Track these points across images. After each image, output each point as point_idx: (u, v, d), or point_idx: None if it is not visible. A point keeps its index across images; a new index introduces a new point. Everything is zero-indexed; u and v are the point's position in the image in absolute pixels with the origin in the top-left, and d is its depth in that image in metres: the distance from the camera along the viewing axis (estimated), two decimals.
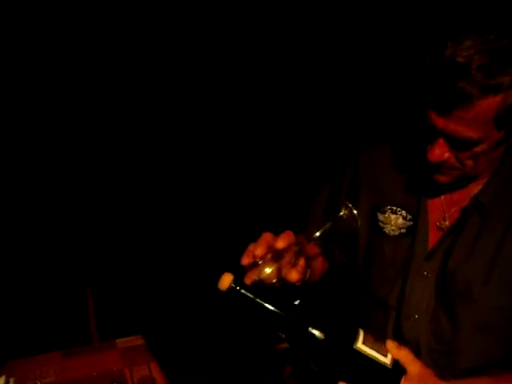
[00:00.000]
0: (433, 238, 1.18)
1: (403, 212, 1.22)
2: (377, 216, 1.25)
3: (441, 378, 1.01)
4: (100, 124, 3.00)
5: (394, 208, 1.23)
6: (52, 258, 2.82)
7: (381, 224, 1.24)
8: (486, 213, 1.12)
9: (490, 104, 0.95)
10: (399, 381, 0.96)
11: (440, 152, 1.04)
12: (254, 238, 1.01)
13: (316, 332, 0.93)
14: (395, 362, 0.96)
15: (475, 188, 1.14)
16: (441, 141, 1.04)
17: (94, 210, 3.00)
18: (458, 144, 1.02)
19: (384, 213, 1.24)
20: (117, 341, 1.67)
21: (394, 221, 1.22)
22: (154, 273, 2.86)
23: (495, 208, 1.12)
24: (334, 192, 1.37)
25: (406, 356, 0.97)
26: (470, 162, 1.05)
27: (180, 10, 2.99)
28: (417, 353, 1.18)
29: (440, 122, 1.01)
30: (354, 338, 0.94)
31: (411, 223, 1.20)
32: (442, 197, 1.19)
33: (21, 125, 2.82)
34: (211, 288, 1.02)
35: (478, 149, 1.02)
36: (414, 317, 1.18)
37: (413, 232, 1.20)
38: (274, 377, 1.45)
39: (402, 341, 1.19)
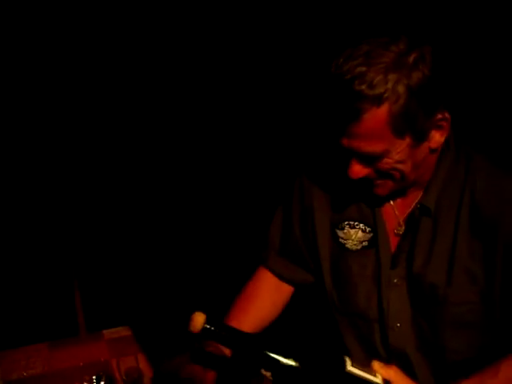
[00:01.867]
0: (394, 245, 1.19)
1: (361, 225, 1.22)
2: (336, 233, 1.25)
3: None
4: (90, 120, 2.99)
5: (352, 222, 1.23)
6: (39, 249, 2.81)
7: (342, 240, 1.24)
8: (434, 215, 1.13)
9: (377, 116, 0.96)
10: None
11: (357, 169, 1.06)
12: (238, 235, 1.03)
13: (303, 365, 0.91)
14: (386, 382, 0.96)
15: (420, 190, 1.15)
16: (354, 158, 1.05)
17: (81, 203, 2.99)
18: (367, 159, 1.03)
19: (343, 229, 1.24)
20: (104, 332, 1.68)
21: (355, 235, 1.22)
22: (141, 264, 2.86)
23: (442, 208, 1.13)
24: (287, 214, 1.36)
25: (395, 374, 0.98)
26: (396, 173, 1.06)
27: (180, 10, 2.99)
28: (407, 359, 1.20)
29: (343, 140, 1.02)
30: (343, 363, 0.93)
31: (371, 235, 1.20)
32: (393, 203, 1.19)
33: (10, 122, 2.81)
34: (197, 280, 1.03)
35: (390, 160, 1.02)
36: (397, 326, 1.19)
37: (375, 243, 1.20)
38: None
39: (391, 350, 1.21)
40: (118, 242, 2.95)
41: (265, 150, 3.11)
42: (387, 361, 1.21)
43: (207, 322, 0.89)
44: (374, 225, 1.20)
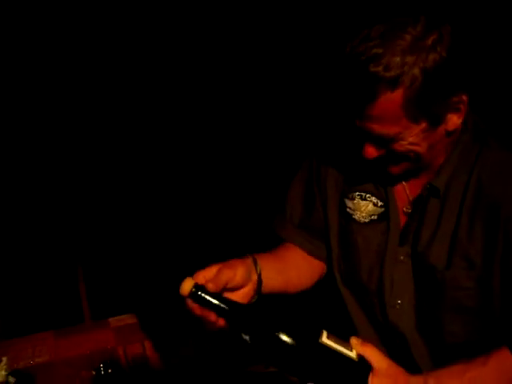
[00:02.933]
0: (402, 223, 1.18)
1: (373, 198, 1.20)
2: (344, 202, 1.23)
3: (411, 374, 1.00)
4: (90, 118, 2.99)
5: (364, 194, 1.21)
6: (43, 238, 2.81)
7: (349, 211, 1.22)
8: (442, 196, 1.11)
9: (391, 99, 0.94)
10: (367, 376, 0.94)
11: (371, 150, 1.04)
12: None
13: (278, 330, 0.93)
14: (361, 357, 0.95)
15: (434, 170, 1.13)
16: (368, 139, 1.04)
17: (85, 192, 2.99)
18: (380, 141, 1.02)
19: (353, 199, 1.22)
20: (109, 320, 1.67)
21: (364, 207, 1.21)
22: (146, 251, 2.86)
23: (451, 190, 1.11)
24: (308, 184, 1.33)
25: (371, 352, 0.96)
26: (411, 154, 1.04)
27: (180, 10, 2.97)
28: (404, 338, 1.19)
29: (357, 121, 1.01)
30: (318, 335, 0.94)
31: (383, 210, 1.19)
32: (404, 183, 1.18)
33: (10, 119, 2.80)
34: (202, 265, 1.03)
35: (404, 142, 1.01)
36: (398, 303, 1.18)
37: (385, 218, 1.18)
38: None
39: (390, 327, 1.20)
40: (122, 229, 2.95)
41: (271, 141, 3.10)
42: (387, 334, 1.23)
43: (195, 286, 0.96)
44: (387, 200, 1.18)
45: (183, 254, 2.74)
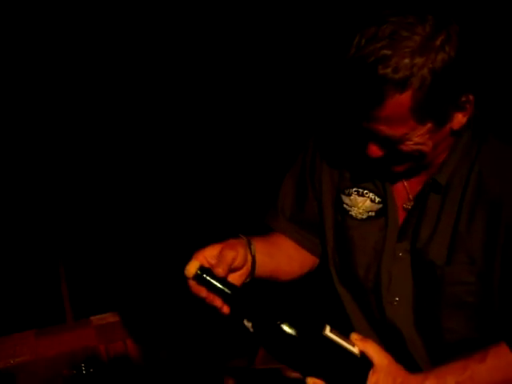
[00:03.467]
0: (401, 219, 1.16)
1: (371, 194, 1.19)
2: (341, 198, 1.22)
3: (410, 372, 1.00)
4: (75, 115, 2.97)
5: (361, 190, 1.19)
6: (25, 236, 2.78)
7: (346, 207, 1.21)
8: (444, 192, 1.11)
9: (400, 101, 0.93)
10: (367, 372, 0.95)
11: (376, 149, 1.03)
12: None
13: (282, 319, 0.92)
14: (362, 353, 0.95)
15: (435, 167, 1.12)
16: (373, 139, 1.02)
17: (66, 190, 2.96)
18: (385, 141, 1.01)
19: (349, 195, 1.21)
20: (91, 318, 1.67)
21: (362, 203, 1.20)
22: (128, 249, 2.84)
23: (451, 186, 1.10)
24: (301, 178, 1.32)
25: (372, 348, 0.96)
26: (415, 153, 1.02)
27: (180, 10, 2.96)
28: (401, 336, 1.18)
29: (363, 122, 0.99)
30: (322, 328, 0.94)
31: (380, 206, 1.17)
32: (404, 179, 1.17)
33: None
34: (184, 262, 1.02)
35: (409, 142, 1.00)
36: (396, 300, 1.17)
37: (383, 214, 1.17)
38: (247, 358, 1.45)
39: (387, 324, 1.19)
40: (103, 227, 2.93)
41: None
42: (384, 330, 1.21)
43: (200, 269, 0.96)
44: (385, 196, 1.17)
45: (167, 252, 2.73)
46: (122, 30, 2.90)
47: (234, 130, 3.13)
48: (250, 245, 1.13)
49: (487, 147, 1.08)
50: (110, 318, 1.66)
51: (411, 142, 1.00)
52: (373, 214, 1.18)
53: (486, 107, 1.12)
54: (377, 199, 1.18)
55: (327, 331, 0.94)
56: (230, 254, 1.02)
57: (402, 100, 0.92)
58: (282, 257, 1.30)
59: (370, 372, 0.94)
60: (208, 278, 0.96)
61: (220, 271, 0.98)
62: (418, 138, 0.99)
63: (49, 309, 2.41)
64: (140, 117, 3.07)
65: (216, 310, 1.00)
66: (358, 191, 1.20)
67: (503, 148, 1.08)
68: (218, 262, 1.00)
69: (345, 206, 1.21)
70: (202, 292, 0.99)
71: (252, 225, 1.42)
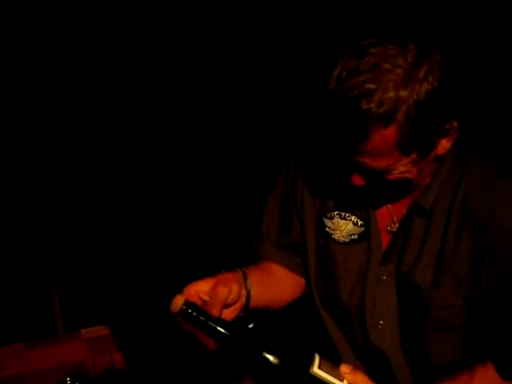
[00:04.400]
0: (385, 242, 1.15)
1: (353, 218, 1.17)
2: (323, 222, 1.21)
3: None
4: (63, 123, 2.98)
5: (343, 213, 1.18)
6: (16, 248, 2.78)
7: (328, 230, 1.20)
8: (428, 215, 1.10)
9: (385, 136, 0.92)
10: None
11: (360, 178, 1.03)
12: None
13: (269, 356, 0.90)
14: None
15: (419, 190, 1.11)
16: (357, 170, 1.02)
17: (59, 203, 2.97)
18: (370, 172, 1.00)
19: (332, 218, 1.19)
20: (81, 331, 1.66)
21: (344, 227, 1.18)
22: (120, 263, 2.84)
23: (436, 209, 1.10)
24: (284, 202, 1.30)
25: (361, 381, 0.93)
26: (400, 180, 1.02)
27: (180, 10, 2.98)
28: (387, 359, 1.17)
29: (348, 155, 0.99)
30: (310, 363, 0.91)
31: (363, 229, 1.16)
32: (388, 202, 1.16)
33: None
34: (176, 280, 1.01)
35: (395, 172, 0.99)
36: (380, 323, 1.16)
37: (366, 238, 1.16)
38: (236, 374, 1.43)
39: (371, 348, 1.18)
40: (96, 242, 2.93)
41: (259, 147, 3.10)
42: (368, 356, 1.20)
43: (186, 304, 0.93)
44: (368, 219, 1.16)
45: (160, 267, 2.73)
46: (122, 30, 2.91)
47: (230, 135, 3.13)
48: (245, 279, 1.11)
49: (471, 168, 1.08)
50: (100, 331, 1.65)
51: (397, 172, 0.99)
52: (356, 237, 1.17)
53: (466, 128, 1.12)
54: (359, 222, 1.17)
55: (315, 367, 0.91)
56: (223, 291, 0.99)
57: (387, 134, 0.92)
58: (275, 285, 1.28)
59: None
60: (195, 314, 0.92)
61: (214, 312, 0.94)
62: (403, 167, 0.99)
63: (41, 322, 2.40)
64: (133, 122, 3.07)
65: (202, 345, 0.97)
66: (340, 214, 1.19)
67: (486, 169, 1.08)
68: (211, 301, 0.96)
69: (327, 229, 1.20)
70: (189, 328, 0.96)
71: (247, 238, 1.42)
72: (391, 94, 0.89)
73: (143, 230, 2.97)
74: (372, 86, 0.89)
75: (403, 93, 0.90)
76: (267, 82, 3.08)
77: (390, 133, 0.91)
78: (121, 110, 3.06)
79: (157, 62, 3.05)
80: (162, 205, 3.07)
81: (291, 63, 3.03)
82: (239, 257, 1.26)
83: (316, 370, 0.91)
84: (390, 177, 1.00)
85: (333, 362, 0.94)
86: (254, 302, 1.12)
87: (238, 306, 1.05)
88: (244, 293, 1.07)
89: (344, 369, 0.92)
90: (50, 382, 1.35)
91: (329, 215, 1.20)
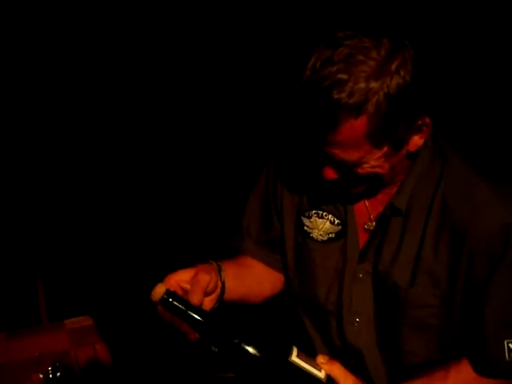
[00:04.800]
0: (362, 240, 1.15)
1: (330, 216, 1.18)
2: (302, 221, 1.21)
3: None
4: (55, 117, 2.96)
5: (320, 212, 1.19)
6: (0, 238, 2.76)
7: (307, 229, 1.20)
8: (405, 215, 1.10)
9: (355, 127, 0.92)
10: None
11: (331, 171, 1.03)
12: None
13: (248, 345, 0.91)
14: (328, 377, 0.95)
15: (394, 187, 1.11)
16: (329, 162, 1.02)
17: (42, 193, 2.95)
18: (341, 165, 1.00)
19: (310, 217, 1.20)
20: (65, 321, 1.66)
21: (322, 225, 1.19)
22: (105, 253, 2.83)
23: (413, 208, 1.10)
24: (265, 200, 1.31)
25: (338, 371, 0.94)
26: (371, 175, 1.02)
27: (180, 10, 2.97)
28: (362, 356, 1.18)
29: (319, 145, 0.99)
30: (289, 352, 0.93)
31: (340, 227, 1.17)
32: (365, 200, 1.16)
33: None
34: (157, 271, 1.01)
35: (366, 165, 0.99)
36: (356, 321, 1.17)
37: (343, 236, 1.17)
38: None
39: (347, 345, 1.19)
40: (80, 231, 2.92)
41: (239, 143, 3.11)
42: (343, 355, 1.21)
43: (167, 293, 0.94)
44: (345, 218, 1.16)
45: (145, 256, 2.72)
46: (122, 30, 2.89)
47: (213, 132, 3.13)
48: (220, 271, 1.12)
49: (450, 168, 1.08)
50: (83, 321, 1.65)
51: (368, 165, 0.99)
52: (333, 235, 1.18)
53: (443, 126, 1.12)
54: (336, 221, 1.17)
55: (293, 357, 0.93)
56: (204, 279, 1.00)
57: (357, 125, 0.92)
58: (253, 279, 1.29)
59: None
60: (175, 303, 0.94)
61: (195, 300, 0.95)
62: (374, 162, 0.98)
63: (25, 312, 2.39)
64: (126, 116, 3.06)
65: (182, 334, 0.98)
66: (317, 213, 1.19)
67: (465, 169, 1.07)
68: (192, 289, 0.97)
69: (305, 228, 1.21)
70: (168, 316, 0.96)
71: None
72: (362, 85, 0.89)
73: (127, 221, 2.97)
74: (344, 76, 0.90)
75: (374, 84, 0.90)
76: (255, 79, 3.07)
77: (359, 124, 0.91)
78: (116, 106, 3.05)
79: (156, 62, 3.04)
80: (143, 196, 3.06)
81: (272, 61, 3.03)
82: (219, 252, 1.26)
83: (294, 358, 0.92)
84: (360, 170, 1.00)
85: (310, 354, 0.95)
86: (229, 294, 1.13)
87: (214, 296, 1.06)
88: (219, 284, 1.09)
89: (321, 359, 0.94)
90: (31, 371, 1.34)
91: (307, 214, 1.21)
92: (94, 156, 3.06)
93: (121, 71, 3.00)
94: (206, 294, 1.01)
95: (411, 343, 1.13)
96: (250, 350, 0.91)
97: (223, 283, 1.10)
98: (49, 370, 1.24)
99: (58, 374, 1.24)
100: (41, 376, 1.24)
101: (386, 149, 0.97)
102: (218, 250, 1.27)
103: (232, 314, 0.96)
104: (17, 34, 2.76)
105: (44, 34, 2.79)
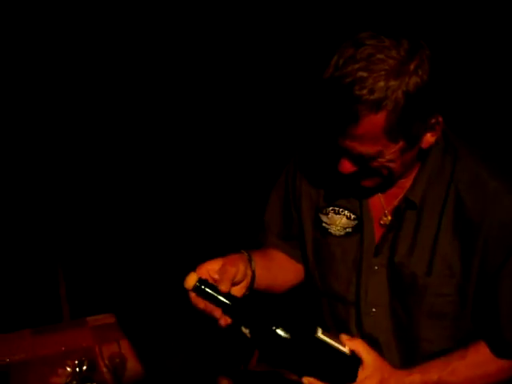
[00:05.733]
0: (378, 234, 1.21)
1: (346, 212, 1.24)
2: (320, 218, 1.27)
3: (395, 368, 1.08)
4: (71, 116, 2.99)
5: (337, 209, 1.25)
6: (24, 236, 2.80)
7: (325, 225, 1.26)
8: (419, 208, 1.15)
9: (374, 121, 0.97)
10: (357, 369, 1.02)
11: (348, 165, 1.07)
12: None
13: (277, 326, 0.98)
14: (352, 352, 1.03)
15: (408, 182, 1.17)
16: (346, 155, 1.07)
17: (66, 192, 2.98)
18: (359, 158, 1.05)
19: (327, 214, 1.26)
20: (87, 319, 1.68)
21: (339, 221, 1.24)
22: (127, 251, 2.86)
23: (427, 201, 1.15)
24: (285, 199, 1.38)
25: (361, 346, 1.03)
26: (384, 170, 1.07)
27: (180, 10, 2.99)
28: (379, 345, 1.22)
29: (339, 139, 1.04)
30: (315, 330, 1.01)
31: (356, 222, 1.22)
32: (380, 194, 1.21)
33: None
34: (182, 269, 1.05)
35: (381, 159, 1.04)
36: (373, 311, 1.22)
37: (359, 230, 1.22)
38: (241, 360, 1.48)
39: (364, 335, 1.23)
40: (102, 230, 2.95)
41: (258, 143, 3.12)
42: None
43: (199, 281, 1.01)
44: (360, 213, 1.22)
45: (165, 256, 2.74)
46: (122, 30, 2.92)
47: (235, 132, 3.15)
48: (250, 260, 1.20)
49: (462, 165, 1.13)
50: (105, 319, 1.67)
51: (383, 160, 1.04)
52: (350, 230, 1.24)
53: (455, 124, 1.15)
54: (352, 216, 1.23)
55: (319, 333, 1.00)
56: (231, 270, 1.08)
57: (377, 120, 0.97)
58: (278, 269, 1.37)
59: (360, 368, 1.03)
60: (206, 288, 1.01)
61: (223, 288, 1.03)
62: (389, 156, 1.04)
63: (47, 310, 2.42)
64: (137, 121, 3.09)
65: (214, 320, 1.05)
66: (334, 209, 1.26)
67: (476, 164, 1.13)
68: (221, 278, 1.05)
69: (324, 224, 1.27)
70: (201, 303, 1.04)
71: (251, 231, 1.45)
72: (382, 83, 0.95)
73: (150, 220, 2.99)
74: (365, 74, 0.95)
75: (393, 82, 0.95)
76: (273, 80, 3.09)
77: (379, 119, 0.97)
78: (118, 106, 3.08)
79: (156, 62, 3.06)
80: (167, 196, 3.09)
81: (294, 63, 3.04)
82: (243, 246, 1.30)
83: (320, 335, 1.01)
84: (376, 163, 1.05)
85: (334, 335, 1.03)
86: (257, 283, 1.21)
87: (244, 284, 1.13)
88: (249, 272, 1.16)
89: (345, 336, 1.03)
90: (57, 366, 1.37)
91: (324, 211, 1.27)
92: (114, 153, 3.09)
93: (124, 73, 3.03)
94: (235, 283, 1.09)
95: (427, 331, 1.18)
96: (279, 328, 0.98)
97: (253, 272, 1.18)
98: (75, 365, 1.26)
99: (84, 368, 1.26)
100: (68, 369, 1.26)
101: (401, 144, 1.02)
102: (242, 242, 1.31)
103: (260, 300, 1.04)
104: (17, 34, 2.79)
105: (44, 34, 2.83)
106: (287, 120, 3.02)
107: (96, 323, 1.65)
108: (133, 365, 1.42)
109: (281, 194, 1.39)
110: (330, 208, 1.26)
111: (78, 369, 1.26)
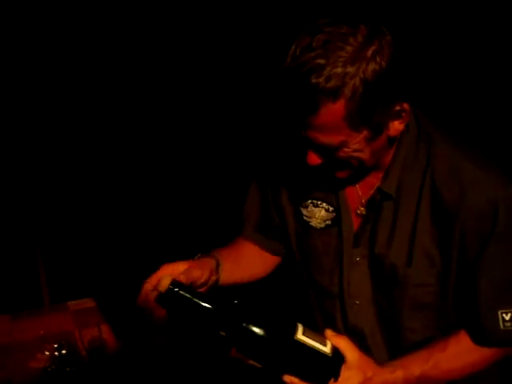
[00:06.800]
0: (356, 225, 1.20)
1: (324, 204, 1.22)
2: (300, 211, 1.26)
3: (378, 364, 1.06)
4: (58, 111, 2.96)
5: (315, 201, 1.23)
6: (3, 221, 2.77)
7: (306, 218, 1.25)
8: (396, 198, 1.13)
9: (333, 110, 0.95)
10: (339, 368, 0.99)
11: (314, 157, 1.06)
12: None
13: (255, 327, 0.95)
14: (335, 350, 0.99)
15: (382, 172, 1.15)
16: (311, 147, 1.05)
17: (45, 179, 2.96)
18: (324, 149, 1.03)
19: (306, 207, 1.25)
20: (68, 303, 1.68)
21: (318, 213, 1.23)
22: (107, 236, 2.85)
23: (404, 190, 1.13)
24: (263, 193, 1.37)
25: (344, 344, 1.00)
26: (354, 161, 1.05)
27: (180, 10, 2.96)
28: (364, 337, 1.23)
29: (301, 130, 1.02)
30: (294, 331, 0.97)
31: (335, 214, 1.21)
32: (356, 184, 1.19)
33: None
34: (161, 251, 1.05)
35: (347, 150, 1.02)
36: (356, 303, 1.22)
37: (338, 222, 1.21)
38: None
39: (349, 328, 1.23)
40: (83, 214, 2.94)
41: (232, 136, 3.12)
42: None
43: (173, 283, 0.97)
44: (337, 205, 1.21)
45: (143, 240, 2.75)
46: (122, 30, 2.90)
47: (229, 134, 3.14)
48: (218, 266, 1.21)
49: (437, 152, 1.11)
50: (86, 303, 1.67)
51: (349, 150, 1.02)
52: (329, 222, 1.23)
53: (427, 110, 1.14)
54: (330, 208, 1.22)
55: (299, 334, 0.97)
56: (196, 273, 1.09)
57: (335, 109, 0.95)
58: (246, 267, 1.37)
59: (343, 367, 0.99)
60: (181, 291, 0.97)
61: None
62: (355, 146, 1.02)
63: (27, 295, 2.41)
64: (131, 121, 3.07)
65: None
66: (313, 202, 1.24)
67: (451, 151, 1.11)
68: (182, 278, 1.04)
69: (305, 217, 1.26)
70: (161, 311, 1.05)
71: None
72: (339, 70, 0.93)
73: (130, 205, 2.99)
74: (322, 62, 0.93)
75: (350, 69, 0.93)
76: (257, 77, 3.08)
77: (337, 107, 0.95)
78: (116, 105, 3.06)
79: (156, 63, 3.04)
80: (148, 185, 3.08)
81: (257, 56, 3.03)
82: (219, 237, 1.35)
83: (300, 336, 0.96)
84: (342, 154, 1.03)
85: (316, 330, 1.00)
86: (222, 282, 1.23)
87: (205, 288, 1.15)
88: (214, 278, 1.18)
89: (329, 332, 1.00)
90: (36, 351, 1.36)
91: (304, 204, 1.25)
92: (97, 143, 3.07)
93: (123, 73, 3.01)
94: (197, 286, 1.10)
95: (410, 321, 1.18)
96: (257, 331, 0.95)
97: (218, 277, 1.21)
98: (54, 349, 1.26)
99: (64, 352, 1.26)
100: (47, 353, 1.26)
101: (365, 133, 1.00)
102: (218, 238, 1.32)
103: (237, 299, 1.00)
104: (17, 34, 2.76)
105: (44, 35, 2.80)
106: (261, 116, 3.02)
107: (76, 307, 1.64)
108: (113, 349, 1.41)
109: (259, 187, 1.38)
110: (309, 201, 1.24)
111: (57, 353, 1.25)
